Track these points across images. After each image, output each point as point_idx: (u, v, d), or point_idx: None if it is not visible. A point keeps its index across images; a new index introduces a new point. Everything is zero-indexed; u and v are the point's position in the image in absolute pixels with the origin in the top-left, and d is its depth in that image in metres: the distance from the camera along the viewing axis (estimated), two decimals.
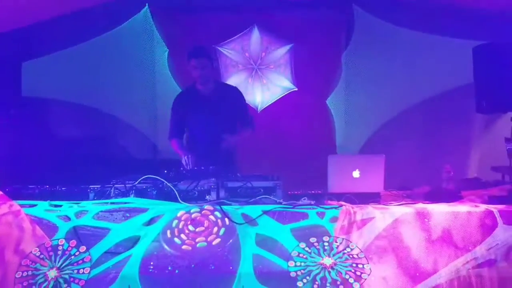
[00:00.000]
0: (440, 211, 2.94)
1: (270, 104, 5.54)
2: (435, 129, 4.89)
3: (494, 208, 2.95)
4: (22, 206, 3.01)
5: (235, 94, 4.33)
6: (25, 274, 2.84)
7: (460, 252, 2.87)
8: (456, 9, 4.05)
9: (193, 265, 2.82)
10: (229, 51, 5.44)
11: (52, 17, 4.00)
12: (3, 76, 3.71)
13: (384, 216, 2.92)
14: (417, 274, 2.84)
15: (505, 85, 3.64)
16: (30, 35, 3.98)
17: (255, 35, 5.47)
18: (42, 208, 3.01)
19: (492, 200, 3.09)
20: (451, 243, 2.88)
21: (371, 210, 2.96)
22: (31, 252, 2.88)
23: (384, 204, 3.08)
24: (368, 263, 2.83)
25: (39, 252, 2.88)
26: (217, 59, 4.25)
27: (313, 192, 3.31)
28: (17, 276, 2.83)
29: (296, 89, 5.51)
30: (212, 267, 2.82)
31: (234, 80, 5.43)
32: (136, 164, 4.92)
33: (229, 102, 4.23)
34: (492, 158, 4.22)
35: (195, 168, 3.57)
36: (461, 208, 2.98)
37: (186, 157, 3.83)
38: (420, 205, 3.02)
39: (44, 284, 2.81)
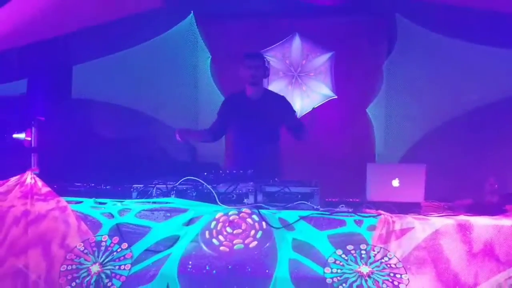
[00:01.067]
0: (482, 224, 2.86)
1: (309, 112, 5.52)
2: (479, 140, 4.79)
3: None
4: (68, 202, 3.07)
5: (283, 103, 4.35)
6: (69, 267, 2.89)
7: (502, 266, 2.78)
8: (502, 18, 3.94)
9: (230, 266, 2.82)
10: (271, 58, 5.46)
11: (102, 22, 4.08)
12: (55, 78, 3.82)
13: (424, 227, 2.86)
14: (457, 287, 2.77)
15: None
16: (82, 39, 4.08)
17: (296, 42, 5.48)
18: (87, 205, 3.08)
19: None
20: (493, 257, 2.80)
21: (410, 220, 2.90)
22: (76, 246, 2.93)
23: (424, 215, 3.02)
24: (406, 274, 2.77)
25: (83, 247, 2.93)
26: (269, 67, 4.29)
27: (351, 200, 3.29)
28: (62, 269, 2.89)
29: (336, 97, 5.49)
30: (249, 269, 2.81)
31: (274, 86, 5.44)
32: (176, 166, 5.00)
33: (276, 110, 4.24)
34: None
35: (234, 171, 3.59)
36: (505, 221, 2.89)
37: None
38: (462, 217, 2.95)
39: (87, 278, 2.86)
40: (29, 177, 3.18)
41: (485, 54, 4.63)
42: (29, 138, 3.74)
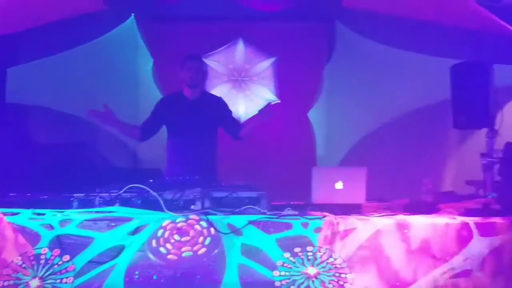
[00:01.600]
0: (419, 223, 2.97)
1: (252, 116, 5.55)
2: (413, 143, 4.94)
3: (470, 220, 3.00)
4: (4, 214, 2.94)
5: (220, 103, 4.36)
6: (6, 283, 2.79)
7: (438, 262, 2.90)
8: (433, 27, 4.10)
9: (178, 275, 2.80)
10: (214, 62, 5.49)
11: (39, 24, 3.95)
12: None
13: (365, 227, 2.94)
14: (397, 283, 2.87)
15: (481, 102, 3.69)
16: (16, 41, 3.93)
17: (240, 47, 5.52)
18: (25, 216, 2.95)
19: (468, 212, 3.12)
20: (430, 253, 2.91)
21: (353, 221, 2.97)
22: (12, 261, 2.83)
23: (365, 215, 3.10)
24: (350, 273, 2.85)
25: (21, 261, 2.83)
26: (208, 70, 4.29)
27: (296, 203, 3.30)
28: None
29: (278, 101, 5.54)
30: (198, 277, 2.81)
31: (218, 90, 5.45)
32: (118, 173, 4.89)
33: (214, 111, 4.24)
34: (467, 172, 4.28)
35: (180, 177, 3.55)
36: (439, 220, 3.01)
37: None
38: (400, 217, 3.05)
39: None
40: None
41: (420, 62, 4.77)
42: None
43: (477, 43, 3.82)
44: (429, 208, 3.26)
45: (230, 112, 4.38)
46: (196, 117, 4.13)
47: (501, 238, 2.96)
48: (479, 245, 2.93)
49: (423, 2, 3.61)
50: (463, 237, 2.94)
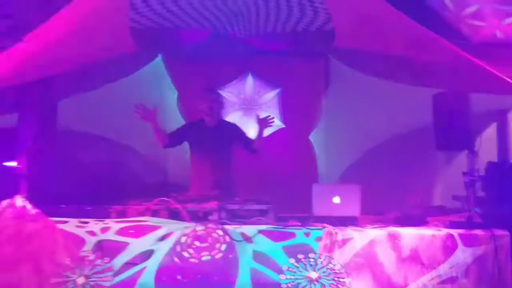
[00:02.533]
0: (408, 234, 2.96)
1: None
2: (403, 162, 4.85)
3: (455, 232, 2.97)
4: (55, 222, 3.02)
5: (234, 128, 4.42)
6: (58, 280, 2.85)
7: (426, 269, 2.88)
8: (416, 63, 4.09)
9: (199, 276, 2.83)
10: (228, 94, 5.46)
11: (82, 64, 4.03)
12: (42, 112, 3.74)
13: (361, 237, 2.93)
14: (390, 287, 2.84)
15: (460, 127, 3.66)
16: (64, 79, 4.01)
17: (249, 81, 5.50)
18: (72, 224, 3.03)
19: (452, 225, 3.09)
20: (419, 261, 2.89)
21: (350, 231, 2.97)
22: (63, 261, 2.89)
23: (361, 227, 3.08)
24: (348, 277, 2.84)
25: (70, 262, 2.89)
26: (223, 101, 4.37)
27: (299, 215, 3.28)
28: (52, 281, 2.84)
29: (283, 126, 5.49)
30: (215, 278, 2.83)
31: (231, 117, 5.41)
32: (149, 189, 4.91)
33: (229, 135, 4.28)
34: (454, 188, 4.23)
35: (200, 193, 3.58)
36: (427, 231, 3.00)
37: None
38: (392, 228, 3.03)
39: None
40: (19, 201, 3.12)
41: (404, 90, 4.71)
42: (18, 166, 3.62)
43: (454, 75, 3.78)
44: (418, 221, 3.22)
45: (244, 133, 4.41)
46: (213, 142, 4.17)
47: (483, 248, 2.93)
48: (463, 254, 2.91)
49: (404, 41, 3.61)
50: (449, 247, 2.92)
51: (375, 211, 3.46)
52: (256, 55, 5.29)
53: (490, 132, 4.51)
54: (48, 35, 3.08)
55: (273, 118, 4.36)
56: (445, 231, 2.99)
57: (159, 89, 5.42)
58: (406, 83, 4.44)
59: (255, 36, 4.76)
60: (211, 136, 4.19)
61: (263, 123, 4.27)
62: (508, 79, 3.16)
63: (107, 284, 2.83)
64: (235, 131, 4.36)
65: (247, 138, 4.35)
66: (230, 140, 4.27)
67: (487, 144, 3.86)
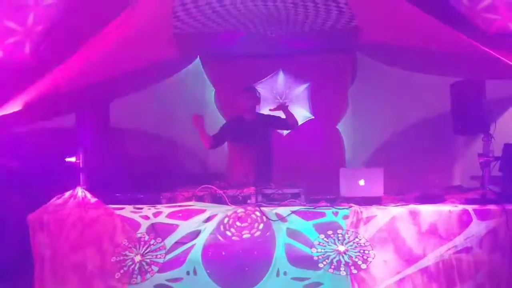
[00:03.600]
0: (427, 210, 3.02)
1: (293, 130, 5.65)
2: (423, 146, 4.87)
3: (469, 207, 3.02)
4: (113, 209, 3.17)
5: (269, 117, 4.55)
6: (118, 258, 3.02)
7: (443, 241, 2.95)
8: (435, 54, 4.11)
9: (241, 251, 2.96)
10: (262, 89, 5.55)
11: (131, 68, 4.22)
12: (97, 113, 3.94)
13: (384, 215, 3.01)
14: (410, 258, 2.93)
15: (475, 112, 3.67)
16: (115, 81, 4.19)
17: (281, 77, 5.57)
18: (128, 210, 3.17)
19: (468, 201, 3.14)
20: (437, 234, 2.96)
21: (374, 210, 3.05)
22: (122, 242, 3.05)
23: (384, 206, 3.16)
24: (372, 250, 2.94)
25: (127, 243, 3.05)
26: (260, 98, 4.54)
27: (328, 196, 3.38)
28: (112, 260, 3.01)
29: (313, 117, 5.57)
30: (255, 253, 2.96)
31: (266, 111, 5.56)
32: (193, 177, 5.09)
33: (266, 125, 4.43)
34: (472, 169, 4.21)
35: (238, 179, 3.73)
36: (444, 207, 3.05)
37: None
38: (412, 206, 3.09)
39: (132, 266, 2.99)
40: (80, 191, 3.29)
41: (424, 81, 4.74)
42: (78, 161, 3.83)
43: (469, 65, 3.80)
44: (436, 199, 3.26)
45: (278, 117, 4.52)
46: (253, 135, 4.31)
47: (496, 221, 2.97)
48: (477, 227, 2.95)
49: (425, 35, 3.66)
50: (464, 221, 2.97)
51: (397, 192, 3.52)
52: (286, 53, 5.37)
53: (508, 116, 4.47)
54: (102, 45, 3.30)
55: (286, 101, 4.49)
56: (461, 207, 3.04)
57: (198, 87, 5.57)
58: (428, 73, 4.47)
59: (285, 36, 4.83)
60: (251, 130, 4.33)
61: (281, 106, 4.48)
62: None
63: (161, 260, 2.98)
64: (270, 119, 4.50)
65: (281, 119, 4.47)
66: (267, 130, 4.40)
67: (504, 128, 3.85)
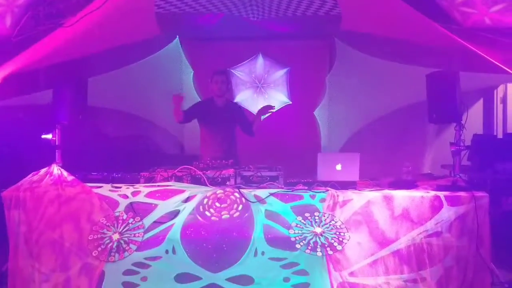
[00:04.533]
0: (401, 195, 3.09)
1: (270, 114, 5.68)
2: (398, 133, 4.99)
3: (441, 193, 3.10)
4: (91, 187, 3.13)
5: (238, 110, 4.56)
6: (95, 236, 2.99)
7: (415, 225, 3.02)
8: (413, 44, 4.19)
9: (220, 231, 2.97)
10: (240, 73, 5.55)
11: (110, 46, 4.15)
12: (74, 89, 3.86)
13: (359, 198, 3.07)
14: (383, 241, 3.00)
15: (449, 102, 3.76)
16: (94, 59, 4.12)
17: (260, 61, 5.55)
18: (106, 189, 3.15)
19: (439, 188, 3.22)
20: (409, 219, 3.03)
21: (350, 194, 3.11)
22: (99, 220, 3.02)
23: (359, 190, 3.21)
24: (347, 232, 2.99)
25: (105, 221, 3.02)
26: (231, 82, 4.48)
27: (305, 180, 3.42)
28: (89, 238, 2.98)
29: (290, 102, 5.58)
30: (234, 233, 2.98)
31: (243, 95, 5.53)
32: (167, 158, 5.08)
33: (234, 114, 4.44)
34: (442, 158, 4.30)
35: (219, 161, 3.74)
36: (416, 193, 3.12)
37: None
38: (386, 191, 3.16)
39: (110, 244, 2.96)
40: (56, 169, 3.24)
41: (400, 69, 4.74)
42: (54, 138, 3.77)
43: (445, 56, 3.88)
44: (408, 185, 3.34)
45: (245, 117, 4.53)
46: (221, 120, 4.32)
47: (465, 207, 3.06)
48: (447, 213, 3.04)
49: (402, 26, 3.73)
50: (435, 206, 3.05)
51: (371, 177, 3.57)
52: (266, 36, 5.34)
53: (477, 107, 4.61)
54: (83, 22, 3.21)
55: (273, 107, 4.47)
56: (432, 193, 3.11)
57: (177, 68, 5.50)
58: (404, 63, 4.53)
59: (267, 20, 4.79)
60: (219, 114, 4.33)
61: (263, 110, 4.43)
62: (493, 61, 3.28)
63: (139, 239, 2.97)
64: (239, 114, 4.50)
65: (247, 122, 4.48)
66: (234, 120, 4.42)
67: (474, 119, 3.97)
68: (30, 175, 3.22)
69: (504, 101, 5.28)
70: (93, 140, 4.35)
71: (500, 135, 4.99)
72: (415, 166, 3.88)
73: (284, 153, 4.99)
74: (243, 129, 4.44)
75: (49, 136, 3.74)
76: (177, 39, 5.43)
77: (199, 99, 5.43)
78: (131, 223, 3.03)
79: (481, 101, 5.26)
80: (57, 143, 3.76)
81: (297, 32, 5.21)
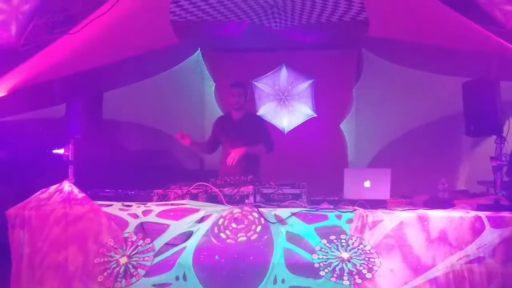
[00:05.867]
0: (437, 216, 2.82)
1: (295, 127, 5.47)
2: (432, 148, 4.71)
3: (482, 214, 2.82)
4: (100, 205, 2.99)
5: (259, 123, 4.33)
6: (102, 260, 2.82)
7: (454, 250, 2.75)
8: (446, 51, 3.90)
9: (235, 256, 2.76)
10: (263, 85, 5.42)
11: (124, 58, 4.02)
12: (89, 103, 3.74)
13: (391, 219, 2.82)
14: (419, 267, 2.72)
15: (489, 113, 3.47)
16: (110, 71, 4.00)
17: (283, 72, 5.43)
18: (116, 207, 3.00)
19: (480, 207, 2.95)
20: (447, 242, 2.76)
21: (380, 214, 2.86)
22: (107, 242, 2.86)
23: (390, 209, 2.96)
24: (378, 258, 2.73)
25: (113, 243, 2.86)
26: (250, 93, 4.28)
27: (331, 198, 3.20)
28: (95, 261, 2.82)
29: (315, 115, 5.42)
30: (251, 258, 2.75)
31: (266, 107, 5.40)
32: (187, 173, 4.92)
33: (254, 128, 4.20)
34: (478, 173, 4.03)
35: (237, 177, 3.50)
36: (455, 213, 2.85)
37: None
38: (421, 211, 2.90)
39: (117, 268, 2.79)
40: (67, 186, 3.12)
41: (435, 80, 4.57)
42: (67, 153, 3.64)
43: (485, 63, 3.57)
44: (445, 204, 3.08)
45: (266, 131, 4.29)
46: (239, 135, 4.12)
47: (510, 229, 2.76)
48: (490, 236, 2.76)
49: (436, 30, 3.42)
50: (476, 229, 2.77)
51: (404, 195, 3.35)
52: (290, 47, 5.22)
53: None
54: (95, 27, 3.05)
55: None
56: (473, 213, 2.85)
57: (199, 80, 5.40)
58: (438, 72, 4.26)
59: (290, 28, 4.64)
60: (235, 129, 4.15)
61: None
62: None
63: (148, 263, 2.78)
64: (259, 127, 4.26)
65: (267, 136, 4.24)
66: (253, 134, 4.17)
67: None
68: (39, 192, 3.09)
69: None
70: (108, 155, 4.20)
71: None
72: (450, 183, 3.54)
73: (308, 169, 4.79)
74: (264, 141, 4.19)
75: (61, 151, 3.61)
76: (198, 51, 5.33)
77: (220, 112, 5.32)
78: (141, 245, 2.84)
79: None
80: (70, 158, 3.64)
81: (321, 41, 5.02)
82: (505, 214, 2.82)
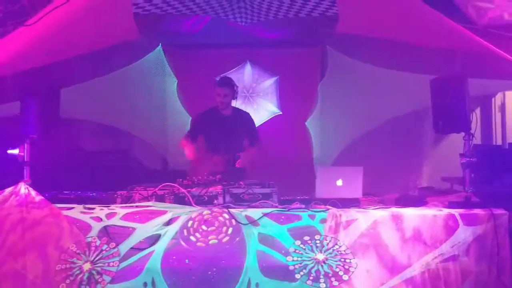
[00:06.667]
0: (411, 214, 2.81)
1: (259, 125, 5.38)
2: (401, 144, 4.72)
3: (455, 212, 2.84)
4: (60, 208, 2.83)
5: (248, 118, 4.26)
6: (64, 266, 2.67)
7: (429, 249, 2.74)
8: (413, 48, 3.91)
9: (207, 259, 2.66)
10: None
11: (84, 52, 3.79)
12: (45, 100, 3.50)
13: (365, 218, 2.78)
14: (394, 267, 2.70)
15: (458, 110, 3.47)
16: (67, 66, 3.77)
17: (248, 69, 5.33)
18: (77, 211, 2.84)
19: (452, 205, 2.96)
20: (421, 241, 2.75)
21: (353, 213, 2.81)
22: (69, 247, 2.71)
23: (363, 208, 2.93)
24: (354, 258, 2.69)
25: (75, 248, 2.71)
26: (238, 90, 4.15)
27: (302, 197, 3.14)
28: (57, 268, 2.66)
29: (280, 113, 5.35)
30: (223, 261, 2.66)
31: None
32: (150, 174, 4.73)
33: (243, 124, 4.14)
34: (442, 170, 4.08)
35: (204, 177, 3.38)
36: (428, 211, 2.86)
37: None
38: (395, 209, 2.88)
39: (80, 275, 2.64)
40: (23, 188, 2.93)
41: (397, 76, 4.53)
42: (22, 154, 3.38)
43: (453, 60, 3.60)
44: (417, 201, 3.09)
45: (254, 128, 4.27)
46: (229, 129, 4.02)
47: (483, 227, 2.80)
48: (464, 233, 2.78)
49: (406, 26, 3.42)
50: (450, 227, 2.78)
51: (369, 192, 3.31)
52: (255, 44, 5.14)
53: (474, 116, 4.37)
54: (52, 20, 2.84)
55: None
56: (446, 211, 2.85)
57: (160, 77, 5.21)
58: (406, 70, 4.27)
59: (256, 24, 4.54)
60: (228, 125, 4.05)
61: None
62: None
63: (114, 269, 2.64)
64: (248, 123, 4.22)
65: (255, 134, 4.21)
66: (243, 129, 4.13)
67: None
68: None
69: (502, 109, 5.10)
70: (66, 156, 3.97)
71: (499, 144, 4.80)
72: (422, 180, 3.56)
73: (276, 167, 4.69)
74: (250, 141, 4.13)
75: (16, 151, 3.36)
76: (159, 47, 5.15)
77: (184, 111, 5.15)
78: (105, 250, 2.70)
79: (478, 110, 5.01)
80: (25, 159, 3.39)
81: (286, 38, 4.99)
82: (478, 211, 2.85)
